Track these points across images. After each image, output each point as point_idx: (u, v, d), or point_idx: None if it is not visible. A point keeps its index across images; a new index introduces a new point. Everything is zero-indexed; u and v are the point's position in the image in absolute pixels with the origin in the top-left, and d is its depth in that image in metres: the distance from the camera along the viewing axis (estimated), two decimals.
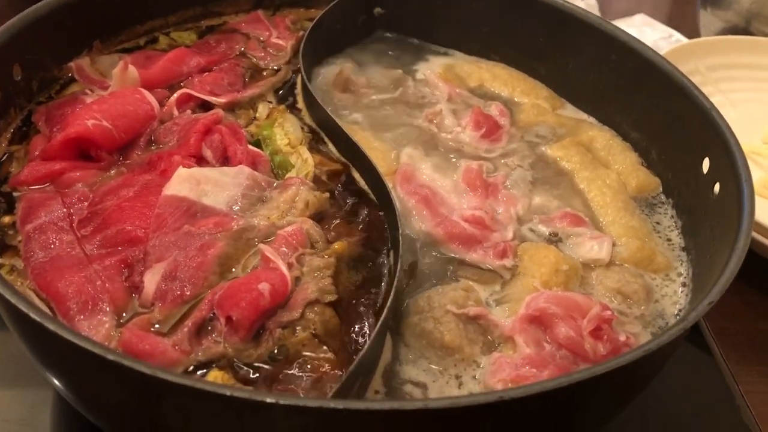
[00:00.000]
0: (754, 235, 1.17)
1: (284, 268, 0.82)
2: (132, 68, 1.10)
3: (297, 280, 0.84)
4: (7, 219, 0.93)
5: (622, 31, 1.17)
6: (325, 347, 0.79)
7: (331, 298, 0.83)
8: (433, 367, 0.84)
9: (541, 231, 1.04)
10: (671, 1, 2.29)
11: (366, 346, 0.75)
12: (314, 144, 1.11)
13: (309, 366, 0.78)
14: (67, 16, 1.11)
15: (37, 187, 0.97)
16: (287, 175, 1.02)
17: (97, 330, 0.79)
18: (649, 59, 1.12)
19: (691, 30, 1.92)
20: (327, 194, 0.98)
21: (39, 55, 1.09)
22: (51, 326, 0.65)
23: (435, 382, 0.83)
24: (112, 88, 1.10)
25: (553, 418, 0.72)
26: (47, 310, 0.82)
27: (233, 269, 0.87)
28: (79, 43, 1.18)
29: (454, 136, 1.17)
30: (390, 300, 0.81)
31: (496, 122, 1.19)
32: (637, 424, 0.96)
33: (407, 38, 1.40)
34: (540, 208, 1.07)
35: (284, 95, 1.22)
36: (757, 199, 1.31)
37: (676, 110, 1.08)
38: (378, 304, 0.88)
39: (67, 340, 0.64)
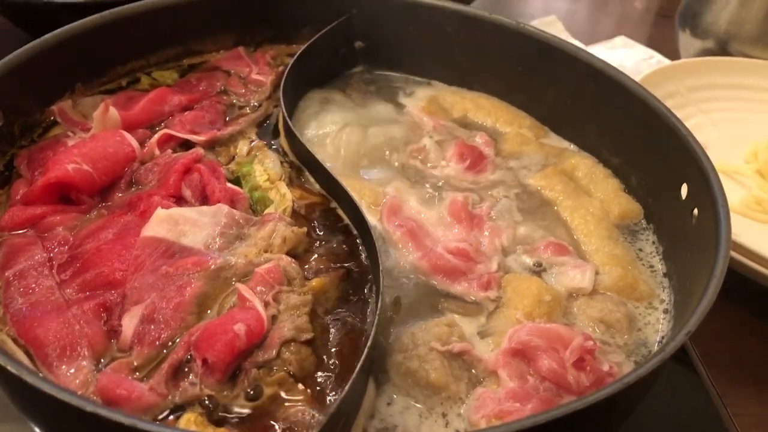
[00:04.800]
0: (739, 257, 1.17)
1: (260, 308, 0.82)
2: (113, 110, 1.11)
3: (274, 318, 0.84)
4: None
5: (598, 58, 1.18)
6: (302, 387, 0.79)
7: (307, 336, 0.83)
8: (419, 405, 0.84)
9: (525, 261, 1.04)
10: (651, 23, 2.32)
11: (347, 387, 0.75)
12: (295, 178, 1.12)
13: (286, 407, 0.77)
14: (49, 60, 1.12)
15: (18, 232, 0.97)
16: (265, 211, 1.02)
17: (75, 376, 0.79)
18: (626, 86, 1.13)
19: (671, 51, 1.94)
20: (304, 229, 0.98)
21: (21, 99, 1.10)
22: (29, 379, 0.65)
23: (423, 421, 0.82)
24: (94, 131, 1.11)
25: None
26: (25, 357, 0.81)
27: (210, 309, 0.86)
28: (61, 86, 1.19)
29: (440, 170, 1.18)
30: (371, 338, 0.80)
31: (481, 153, 1.20)
32: None
33: (388, 71, 1.42)
34: (525, 238, 1.08)
35: (265, 131, 1.23)
36: (741, 219, 1.35)
37: (653, 136, 1.08)
38: (359, 342, 0.88)
39: (45, 393, 0.64)
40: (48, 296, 0.88)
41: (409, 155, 1.20)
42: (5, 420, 0.91)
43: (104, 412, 0.62)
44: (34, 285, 0.89)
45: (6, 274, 0.91)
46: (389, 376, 0.86)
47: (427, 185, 1.15)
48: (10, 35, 1.84)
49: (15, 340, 0.84)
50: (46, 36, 1.12)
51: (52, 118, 1.17)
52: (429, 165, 1.19)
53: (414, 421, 0.82)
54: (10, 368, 0.65)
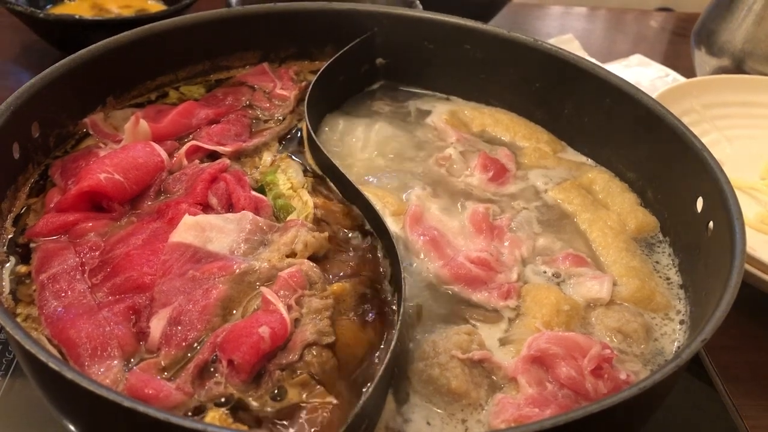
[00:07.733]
0: (754, 270, 1.18)
1: (284, 311, 0.84)
2: (143, 122, 1.15)
3: (296, 321, 0.86)
4: (23, 269, 0.97)
5: (615, 75, 1.21)
6: (323, 389, 0.81)
7: (329, 339, 0.85)
8: (440, 411, 0.85)
9: (545, 272, 1.06)
10: (667, 41, 2.35)
11: (369, 390, 0.77)
12: (318, 187, 1.15)
13: (309, 408, 0.79)
14: (82, 74, 1.15)
15: (52, 237, 1.01)
16: (288, 218, 1.05)
17: (106, 375, 0.82)
18: (642, 102, 1.15)
19: (687, 69, 1.96)
20: (326, 234, 1.00)
21: (56, 112, 1.14)
22: (69, 375, 0.67)
23: (444, 426, 0.84)
24: (125, 142, 1.15)
25: None
26: (59, 356, 0.84)
27: (234, 311, 0.89)
28: (94, 99, 1.23)
29: (463, 179, 1.21)
30: (393, 344, 0.82)
31: (503, 166, 1.23)
32: None
33: (408, 86, 1.45)
34: (544, 249, 1.10)
35: (288, 143, 1.26)
36: (756, 234, 1.36)
37: (669, 151, 1.10)
38: (381, 347, 0.90)
39: (84, 388, 0.66)
40: (80, 299, 0.91)
41: (435, 163, 1.23)
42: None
43: (141, 408, 0.64)
44: (66, 288, 0.92)
45: (40, 277, 0.94)
46: (410, 382, 0.88)
47: (450, 194, 1.18)
48: (42, 52, 1.90)
49: (49, 340, 0.87)
50: (81, 52, 1.15)
51: (84, 130, 1.20)
52: (454, 174, 1.22)
53: (435, 427, 0.84)
54: (51, 364, 0.68)
